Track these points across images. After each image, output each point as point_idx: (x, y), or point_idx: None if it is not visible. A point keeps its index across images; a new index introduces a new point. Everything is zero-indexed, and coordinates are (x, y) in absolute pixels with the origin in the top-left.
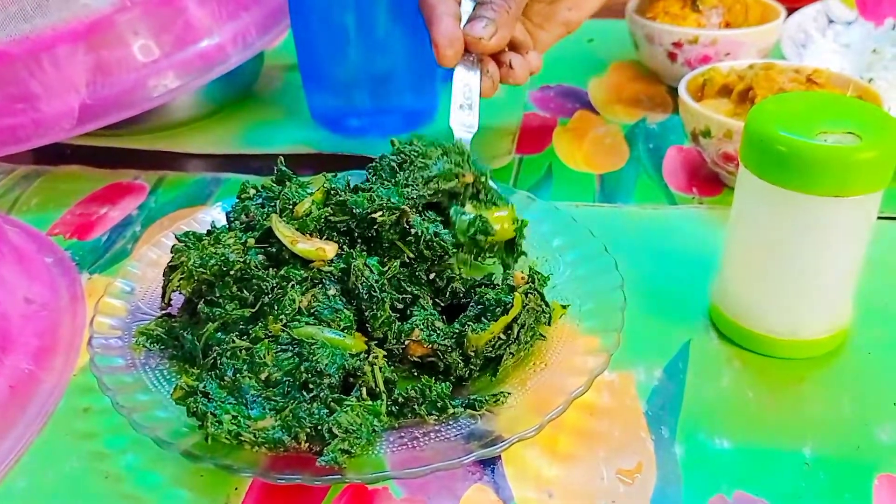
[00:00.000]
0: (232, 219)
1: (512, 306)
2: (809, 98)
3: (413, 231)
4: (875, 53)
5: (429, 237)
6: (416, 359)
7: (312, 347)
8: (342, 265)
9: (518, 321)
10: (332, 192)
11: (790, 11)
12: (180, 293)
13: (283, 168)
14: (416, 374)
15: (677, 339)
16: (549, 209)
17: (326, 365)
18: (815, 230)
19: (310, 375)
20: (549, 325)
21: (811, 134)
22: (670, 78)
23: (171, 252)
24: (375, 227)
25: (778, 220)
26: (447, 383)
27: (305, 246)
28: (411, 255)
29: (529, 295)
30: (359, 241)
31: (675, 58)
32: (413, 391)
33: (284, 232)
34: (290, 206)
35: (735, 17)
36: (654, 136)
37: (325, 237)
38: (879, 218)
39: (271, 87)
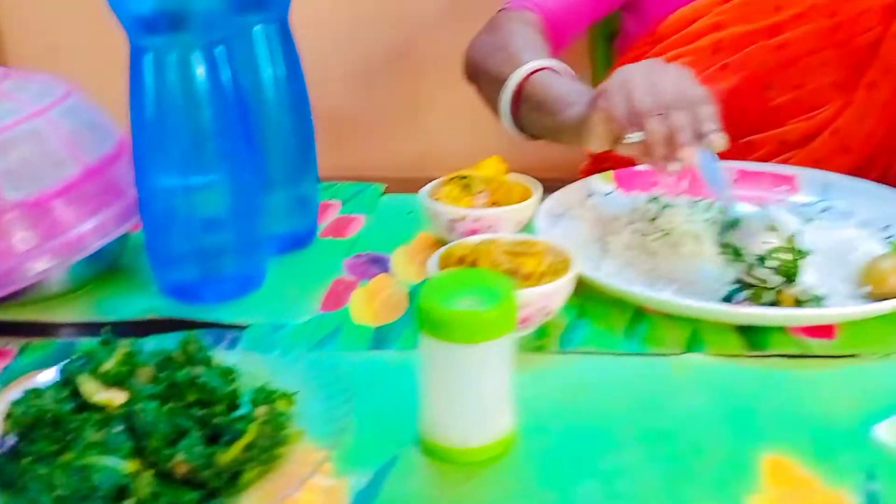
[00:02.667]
0: (60, 377)
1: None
2: (462, 273)
3: (201, 380)
4: (616, 220)
5: (211, 388)
6: (181, 475)
7: (93, 470)
8: (128, 409)
9: (255, 445)
10: (132, 353)
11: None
12: (13, 435)
13: (107, 335)
14: (182, 486)
15: (389, 451)
16: (321, 361)
17: (100, 482)
18: (465, 367)
19: (87, 491)
20: (284, 445)
21: (453, 301)
22: None
23: (9, 405)
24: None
25: (441, 361)
26: (196, 493)
27: (101, 396)
28: (194, 398)
29: (264, 426)
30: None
31: (454, 231)
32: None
33: (87, 387)
34: (98, 366)
35: (500, 197)
36: None
37: (122, 387)
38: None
39: (133, 261)
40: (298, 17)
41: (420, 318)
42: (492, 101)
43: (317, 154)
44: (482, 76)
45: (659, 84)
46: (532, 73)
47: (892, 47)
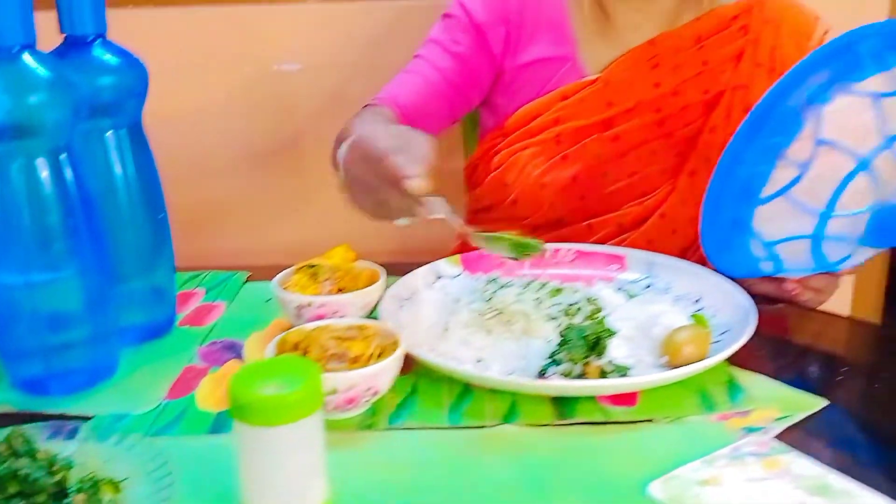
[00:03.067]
0: None
1: None
2: (271, 362)
3: (22, 472)
4: (457, 301)
5: (33, 479)
6: None
7: None
8: None
9: None
10: None
11: None
12: None
13: None
14: None
15: None
16: (152, 447)
17: None
18: (270, 447)
19: None
20: None
21: (259, 387)
22: None
23: None
24: None
25: (249, 443)
26: None
27: None
28: (16, 490)
29: None
30: None
31: (300, 317)
32: None
33: None
34: None
35: (347, 283)
36: None
37: None
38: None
39: None
40: (190, 108)
41: (232, 405)
42: None
43: (194, 243)
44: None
45: (362, 178)
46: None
47: (709, 139)
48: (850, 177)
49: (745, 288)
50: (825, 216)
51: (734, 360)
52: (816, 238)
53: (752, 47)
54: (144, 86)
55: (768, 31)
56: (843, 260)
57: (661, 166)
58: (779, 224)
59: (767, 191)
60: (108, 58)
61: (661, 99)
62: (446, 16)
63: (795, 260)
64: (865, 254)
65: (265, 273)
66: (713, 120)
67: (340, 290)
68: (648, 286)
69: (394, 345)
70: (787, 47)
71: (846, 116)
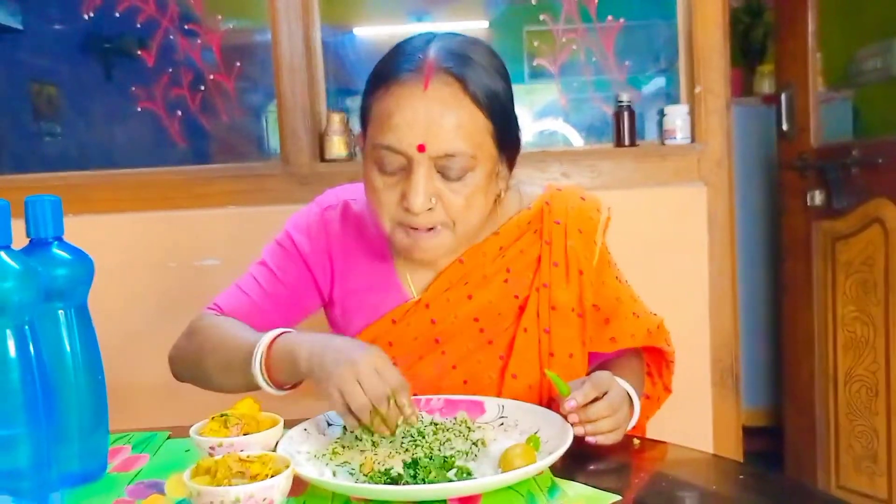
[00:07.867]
0: None
1: None
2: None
3: None
4: (343, 437)
5: None
6: None
7: None
8: None
9: None
10: None
11: None
12: None
13: None
14: None
15: None
16: None
17: None
18: None
19: None
20: None
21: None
22: None
23: None
24: None
25: None
26: None
27: None
28: None
29: None
30: None
31: (213, 456)
32: None
33: None
34: None
35: (252, 428)
36: None
37: None
38: None
39: None
40: (128, 295)
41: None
42: (227, 383)
43: (124, 410)
44: (206, 370)
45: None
46: (274, 339)
47: (524, 340)
48: None
49: None
50: None
51: (563, 473)
52: None
53: (548, 249)
54: (91, 275)
55: (558, 232)
56: None
57: (487, 372)
58: None
59: None
60: (63, 254)
61: (478, 309)
62: (278, 243)
63: None
64: None
65: (183, 432)
66: (524, 321)
67: (246, 434)
68: (501, 423)
69: (286, 467)
70: (577, 245)
71: None
